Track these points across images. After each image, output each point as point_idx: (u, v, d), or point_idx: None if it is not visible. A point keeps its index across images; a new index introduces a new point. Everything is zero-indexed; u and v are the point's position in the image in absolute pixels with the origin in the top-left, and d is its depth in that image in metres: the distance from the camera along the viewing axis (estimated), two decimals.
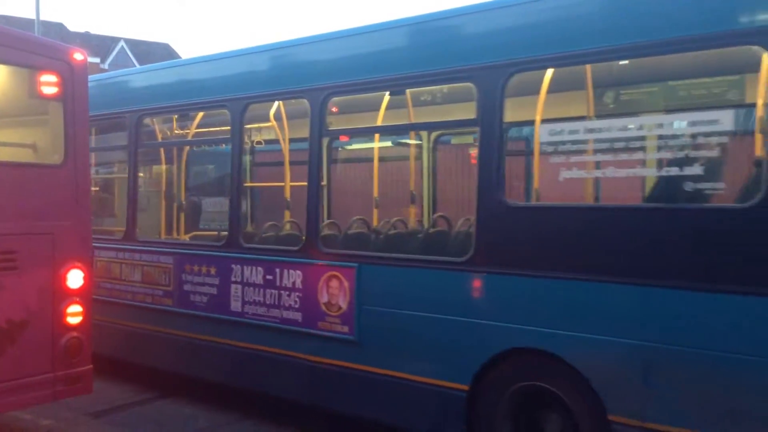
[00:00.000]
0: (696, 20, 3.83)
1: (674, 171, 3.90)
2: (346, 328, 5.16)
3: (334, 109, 5.95)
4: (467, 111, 4.82)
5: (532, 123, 4.45)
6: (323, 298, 5.29)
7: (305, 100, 5.54)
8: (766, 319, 3.56)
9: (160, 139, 7.65)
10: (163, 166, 7.97)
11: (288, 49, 5.93)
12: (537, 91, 4.40)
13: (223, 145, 7.17)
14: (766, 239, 3.56)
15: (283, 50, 5.99)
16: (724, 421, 3.69)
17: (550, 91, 4.39)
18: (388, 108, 6.02)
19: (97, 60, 38.64)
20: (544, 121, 4.36)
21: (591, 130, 4.34)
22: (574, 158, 4.27)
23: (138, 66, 24.06)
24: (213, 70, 6.45)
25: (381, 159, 6.91)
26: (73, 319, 5.12)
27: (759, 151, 3.71)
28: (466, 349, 4.58)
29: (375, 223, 6.66)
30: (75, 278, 5.13)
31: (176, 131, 7.69)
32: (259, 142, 7.51)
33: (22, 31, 5.63)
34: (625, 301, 3.98)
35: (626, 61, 4.26)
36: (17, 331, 4.83)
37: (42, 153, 5.40)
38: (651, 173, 4.16)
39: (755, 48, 3.65)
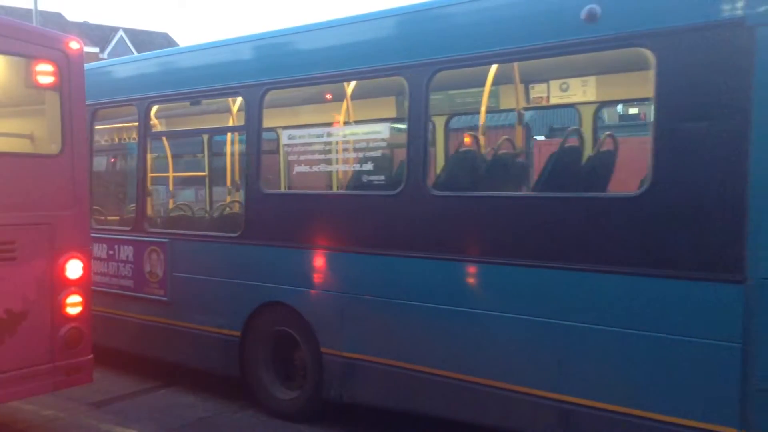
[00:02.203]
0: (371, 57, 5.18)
1: (358, 167, 5.26)
2: (162, 292, 6.47)
3: None
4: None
5: (278, 129, 5.75)
6: (147, 268, 6.59)
7: (134, 107, 6.81)
8: (400, 275, 4.94)
9: None
10: None
11: (125, 65, 7.20)
12: (284, 104, 5.70)
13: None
14: (403, 216, 4.90)
15: (122, 66, 7.26)
16: (388, 345, 5.04)
17: (293, 104, 5.70)
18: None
19: (96, 50, 38.90)
20: (284, 127, 5.67)
21: (313, 135, 5.68)
22: (302, 156, 5.61)
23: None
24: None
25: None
26: (73, 310, 5.07)
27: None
28: (238, 304, 5.90)
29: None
30: (74, 268, 5.08)
31: None
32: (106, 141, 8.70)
33: (17, 20, 5.65)
34: (330, 263, 5.34)
35: (336, 84, 5.58)
36: (17, 322, 4.80)
37: (39, 143, 5.33)
38: (347, 168, 5.49)
39: (401, 78, 5.00)
